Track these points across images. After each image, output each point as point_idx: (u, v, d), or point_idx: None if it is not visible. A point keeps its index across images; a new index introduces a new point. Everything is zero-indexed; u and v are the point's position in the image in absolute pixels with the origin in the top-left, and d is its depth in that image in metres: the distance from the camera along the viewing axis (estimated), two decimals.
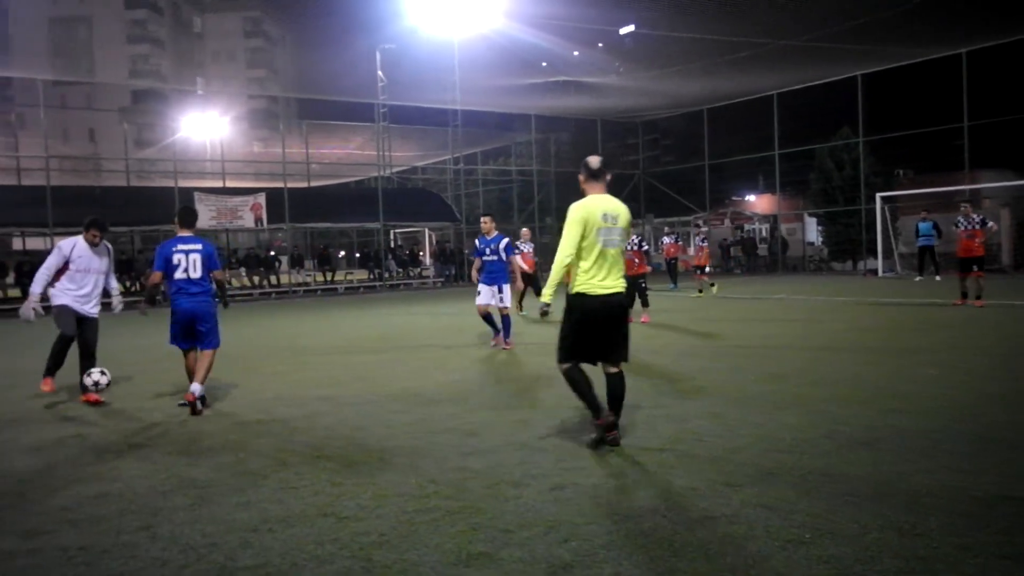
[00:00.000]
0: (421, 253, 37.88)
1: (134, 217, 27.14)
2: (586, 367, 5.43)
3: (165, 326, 7.45)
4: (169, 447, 5.88)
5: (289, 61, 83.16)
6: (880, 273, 26.32)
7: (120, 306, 8.59)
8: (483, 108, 34.21)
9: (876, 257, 27.03)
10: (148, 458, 5.58)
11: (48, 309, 7.96)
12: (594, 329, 5.29)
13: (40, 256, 27.41)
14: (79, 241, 7.94)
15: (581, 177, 5.55)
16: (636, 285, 12.69)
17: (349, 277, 33.28)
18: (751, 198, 43.03)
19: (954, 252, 15.88)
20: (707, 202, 36.74)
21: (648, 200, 39.06)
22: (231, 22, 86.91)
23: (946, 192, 26.98)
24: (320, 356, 11.07)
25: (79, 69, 70.06)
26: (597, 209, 5.28)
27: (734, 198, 43.51)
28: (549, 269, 5.55)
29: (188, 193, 26.05)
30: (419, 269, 34.06)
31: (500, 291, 10.73)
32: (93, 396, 7.62)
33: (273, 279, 29.83)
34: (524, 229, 17.11)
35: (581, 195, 5.48)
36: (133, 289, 26.52)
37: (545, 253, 31.79)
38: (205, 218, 26.20)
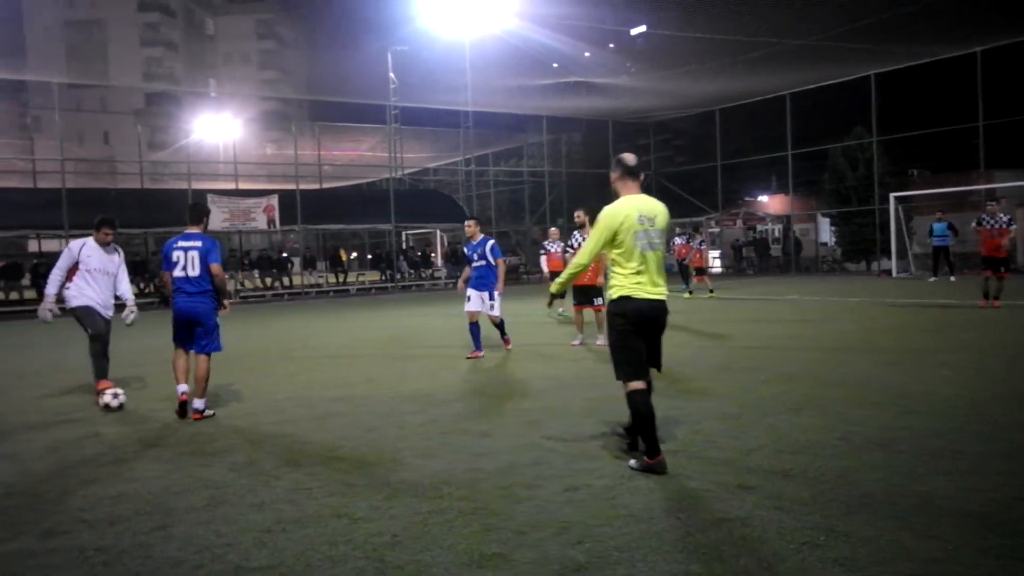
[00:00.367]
0: (433, 255, 37.95)
1: (148, 219, 27.30)
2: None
3: (167, 323, 7.40)
4: (183, 448, 5.91)
5: (301, 63, 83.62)
6: (894, 274, 26.16)
7: (133, 315, 8.03)
8: (495, 109, 34.24)
9: (890, 257, 26.87)
10: (162, 459, 5.62)
11: (65, 311, 8.00)
12: (641, 335, 4.88)
13: (55, 258, 27.70)
14: (88, 241, 7.99)
15: (614, 175, 5.12)
16: None
17: (361, 278, 33.37)
18: (764, 198, 42.87)
19: (970, 253, 15.74)
20: (719, 203, 36.63)
21: (661, 200, 38.90)
22: (243, 24, 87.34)
23: (961, 192, 26.78)
24: (332, 357, 11.10)
25: (93, 72, 70.58)
26: (632, 211, 4.88)
27: (746, 198, 43.35)
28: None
29: (201, 195, 26.17)
30: (431, 270, 34.12)
31: (491, 298, 10.23)
32: (105, 384, 7.59)
33: (285, 280, 29.95)
34: (552, 229, 17.06)
35: (613, 195, 5.08)
36: (147, 291, 26.73)
37: None
38: (218, 220, 26.34)
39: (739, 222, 38.63)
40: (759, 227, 38.52)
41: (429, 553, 3.66)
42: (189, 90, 58.24)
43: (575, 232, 11.76)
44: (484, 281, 10.21)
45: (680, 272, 23.53)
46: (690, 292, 20.30)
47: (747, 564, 3.42)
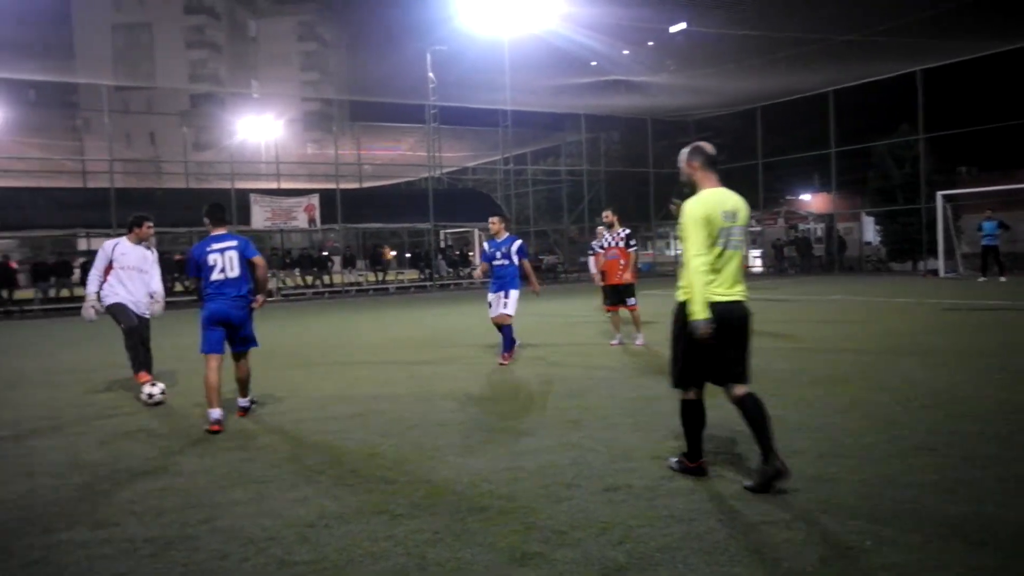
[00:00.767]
0: (471, 253, 38.07)
1: (193, 218, 27.69)
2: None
3: None
4: (228, 443, 6.02)
5: (341, 64, 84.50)
6: (941, 273, 25.58)
7: (157, 306, 8.21)
8: (533, 108, 34.25)
9: (937, 257, 26.28)
10: (208, 453, 5.72)
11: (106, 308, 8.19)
12: (721, 342, 4.46)
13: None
14: (122, 241, 8.19)
15: (694, 164, 4.63)
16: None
17: (400, 277, 33.61)
18: (806, 197, 42.23)
19: (1021, 252, 15.32)
20: (760, 201, 36.15)
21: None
22: (285, 26, 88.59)
23: (1011, 190, 26.08)
24: (373, 355, 11.20)
25: (141, 74, 72.14)
26: (717, 205, 4.49)
27: (788, 197, 42.72)
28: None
29: (244, 195, 26.59)
30: (469, 269, 34.24)
31: (506, 296, 9.59)
32: (143, 377, 7.77)
33: (326, 279, 30.29)
34: (600, 227, 16.83)
35: (689, 188, 4.67)
36: (192, 288, 27.21)
37: None
38: (260, 219, 26.75)
39: (780, 221, 38.08)
40: (801, 226, 37.95)
41: (469, 551, 3.68)
42: (233, 91, 59.24)
43: (604, 233, 11.34)
44: (505, 282, 9.63)
45: None
46: None
47: (792, 567, 3.38)
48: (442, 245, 35.22)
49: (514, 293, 9.60)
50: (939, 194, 26.14)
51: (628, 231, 11.15)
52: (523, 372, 9.09)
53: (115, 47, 75.94)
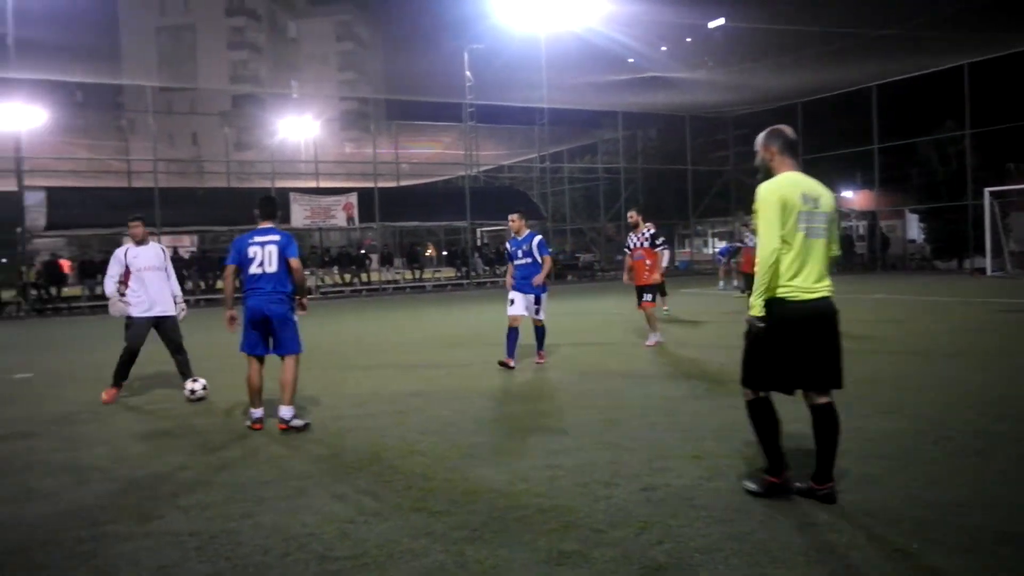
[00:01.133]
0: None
1: (234, 217, 28.25)
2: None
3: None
4: (268, 439, 6.10)
5: (379, 63, 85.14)
6: (988, 272, 24.96)
7: (183, 313, 8.35)
8: (570, 106, 34.16)
9: (984, 255, 25.64)
10: (248, 449, 5.81)
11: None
12: (796, 346, 4.07)
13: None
14: (130, 245, 8.24)
15: (772, 149, 4.27)
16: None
17: (437, 275, 33.78)
18: (847, 194, 41.48)
19: None
20: None
21: (738, 198, 38.20)
22: (324, 27, 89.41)
23: None
24: (411, 352, 11.27)
25: (184, 76, 73.40)
26: (795, 188, 4.11)
27: None
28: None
29: (284, 193, 26.92)
30: (505, 267, 34.26)
31: (537, 302, 9.29)
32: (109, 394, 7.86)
33: (364, 277, 30.55)
34: (648, 224, 16.63)
35: (764, 175, 4.31)
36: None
37: None
38: (300, 217, 27.06)
39: None
40: (843, 223, 37.33)
41: (508, 549, 3.68)
42: (273, 92, 60.02)
43: (630, 234, 11.19)
44: (529, 281, 9.29)
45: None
46: (742, 291, 19.84)
47: (835, 570, 3.33)
48: (478, 243, 35.30)
49: (544, 297, 9.35)
50: (987, 191, 25.49)
51: (653, 231, 10.98)
52: (559, 370, 9.07)
53: (159, 49, 77.40)
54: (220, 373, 9.36)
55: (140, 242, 8.19)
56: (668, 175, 38.84)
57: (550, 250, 9.95)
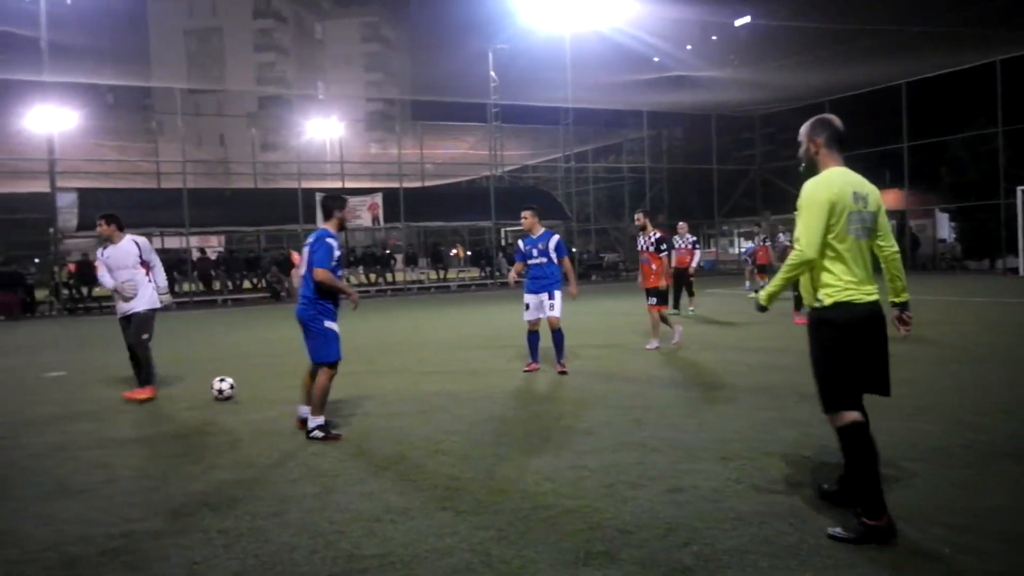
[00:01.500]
0: None
1: (260, 217, 28.59)
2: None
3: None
4: (296, 437, 6.13)
5: (405, 64, 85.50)
6: (1021, 272, 24.53)
7: (166, 298, 8.37)
8: (594, 105, 34.05)
9: (1016, 255, 25.18)
10: (277, 447, 5.86)
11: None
12: (862, 350, 3.80)
13: (176, 254, 29.32)
14: (109, 245, 8.21)
15: (817, 141, 3.94)
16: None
17: (461, 275, 33.85)
18: None
19: None
20: None
21: (765, 197, 37.89)
22: (349, 28, 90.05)
23: None
24: (436, 352, 11.30)
25: (211, 78, 74.27)
26: (846, 186, 3.80)
27: None
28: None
29: (310, 194, 27.11)
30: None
31: (551, 297, 8.79)
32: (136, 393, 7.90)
33: (389, 276, 30.70)
34: (681, 223, 16.52)
35: (808, 169, 4.00)
36: (259, 285, 27.96)
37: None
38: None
39: None
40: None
41: (534, 549, 3.68)
42: (299, 93, 60.54)
43: (639, 235, 10.91)
44: (544, 283, 8.85)
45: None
46: (756, 291, 19.65)
47: (866, 573, 3.28)
48: (503, 243, 35.33)
49: (558, 293, 8.84)
50: (1019, 189, 25.04)
51: (659, 235, 10.73)
52: (583, 371, 9.04)
53: (188, 51, 78.40)
54: (247, 372, 9.46)
55: (110, 241, 8.10)
56: (694, 174, 38.60)
57: (570, 251, 9.61)
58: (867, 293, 3.79)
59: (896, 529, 3.60)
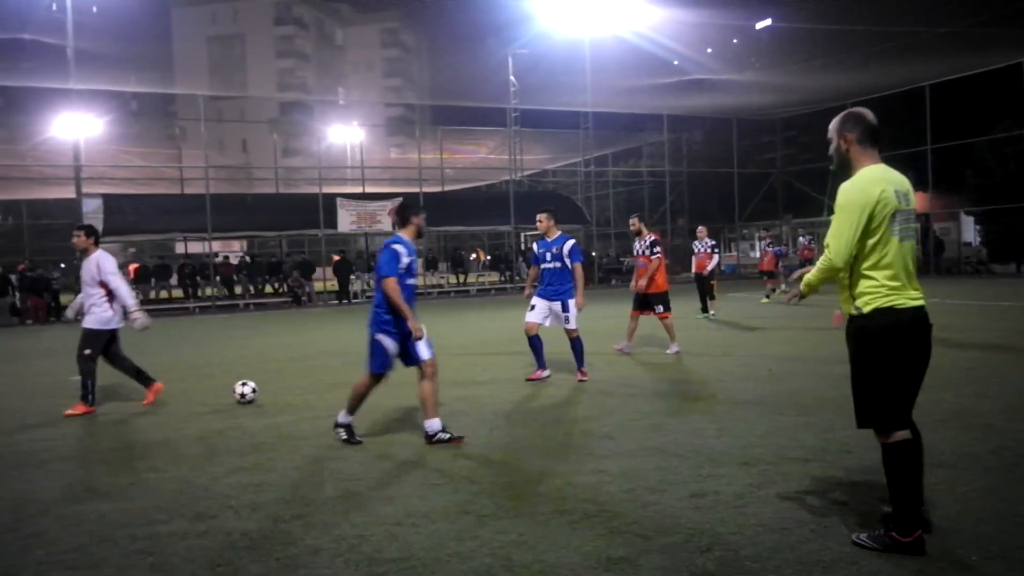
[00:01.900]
0: None
1: (282, 222, 28.79)
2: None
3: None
4: (318, 441, 6.18)
5: (424, 69, 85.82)
6: None
7: (139, 318, 7.91)
8: (614, 110, 34.01)
9: None
10: (299, 450, 5.90)
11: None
12: (910, 361, 3.62)
13: (199, 259, 29.62)
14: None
15: (849, 137, 3.66)
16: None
17: (480, 279, 33.91)
18: None
19: None
20: None
21: (786, 200, 37.64)
22: (370, 33, 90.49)
23: None
24: (456, 356, 11.31)
25: (233, 84, 74.98)
26: (888, 185, 3.53)
27: None
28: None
29: (331, 199, 27.30)
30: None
31: (565, 309, 8.53)
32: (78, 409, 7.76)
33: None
34: (700, 227, 16.56)
35: (839, 167, 3.75)
36: (281, 290, 28.19)
37: (677, 255, 31.22)
38: (346, 222, 27.41)
39: None
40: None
41: (555, 554, 3.67)
42: (320, 99, 60.98)
43: (635, 240, 10.96)
44: (557, 288, 8.60)
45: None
46: (767, 296, 19.51)
47: None
48: (523, 247, 35.35)
49: (573, 304, 8.55)
50: None
51: (653, 238, 10.74)
52: (602, 375, 9.02)
53: (211, 58, 79.20)
54: (269, 376, 9.53)
55: (86, 253, 7.88)
56: (714, 178, 38.45)
57: (588, 256, 9.56)
58: (912, 298, 3.58)
59: (925, 549, 3.45)
